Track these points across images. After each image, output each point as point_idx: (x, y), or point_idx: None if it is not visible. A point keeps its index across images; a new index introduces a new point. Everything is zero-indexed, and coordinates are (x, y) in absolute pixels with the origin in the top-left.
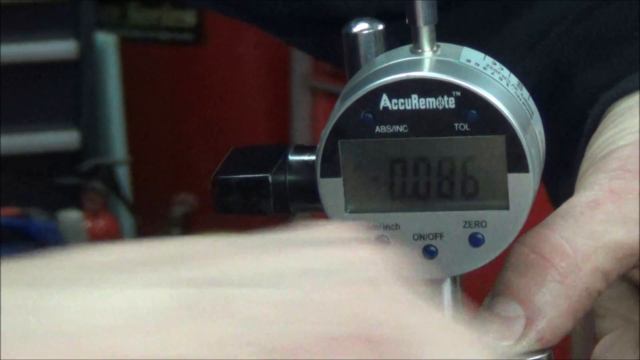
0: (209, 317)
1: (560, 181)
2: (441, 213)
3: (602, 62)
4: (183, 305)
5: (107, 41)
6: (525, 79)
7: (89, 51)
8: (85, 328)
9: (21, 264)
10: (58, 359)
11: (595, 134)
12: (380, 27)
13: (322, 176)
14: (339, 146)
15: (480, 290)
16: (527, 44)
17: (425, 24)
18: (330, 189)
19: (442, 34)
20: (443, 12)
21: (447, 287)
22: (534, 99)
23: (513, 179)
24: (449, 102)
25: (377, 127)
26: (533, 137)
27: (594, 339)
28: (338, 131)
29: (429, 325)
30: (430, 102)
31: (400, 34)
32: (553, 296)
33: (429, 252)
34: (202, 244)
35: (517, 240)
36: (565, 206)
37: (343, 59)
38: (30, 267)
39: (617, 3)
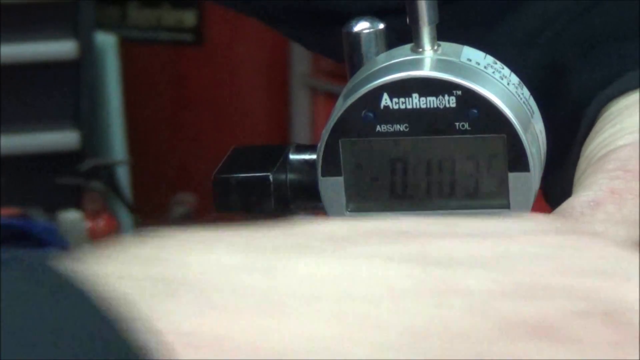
0: (443, 295)
1: (554, 180)
2: (442, 212)
3: (598, 61)
4: (417, 284)
5: (106, 41)
6: (520, 77)
7: (88, 51)
8: (337, 294)
9: (248, 232)
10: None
11: (592, 134)
12: (381, 26)
13: (323, 175)
14: (340, 145)
15: None
16: (522, 42)
17: (427, 24)
18: (331, 188)
19: (438, 31)
20: (439, 9)
21: None
22: None
23: (514, 178)
24: (450, 101)
25: (378, 126)
26: (534, 136)
27: None
28: (339, 130)
29: None
30: (431, 101)
31: (399, 31)
32: None
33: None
34: (415, 224)
35: None
36: (565, 206)
37: (338, 51)
38: (258, 234)
39: (613, 2)
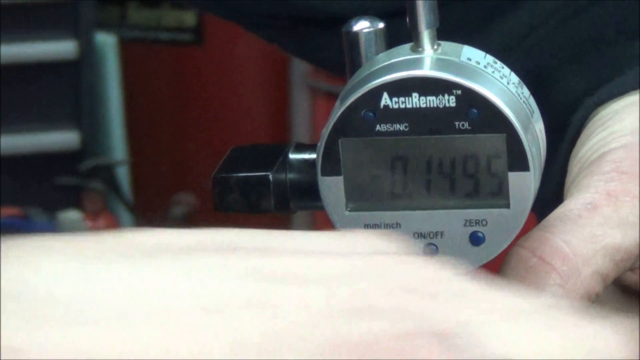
0: (274, 311)
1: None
2: (442, 212)
3: (583, 67)
4: (250, 299)
5: (107, 41)
6: None
7: (88, 51)
8: (163, 305)
9: (74, 237)
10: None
11: (582, 138)
12: (381, 25)
13: (323, 174)
14: (340, 144)
15: None
16: (507, 46)
17: (427, 28)
18: (331, 187)
19: None
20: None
21: None
22: None
23: (514, 177)
24: (450, 101)
25: (378, 126)
26: (534, 135)
27: None
28: (339, 129)
29: (490, 320)
30: (431, 101)
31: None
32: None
33: (430, 251)
34: (262, 236)
35: (515, 242)
36: (562, 209)
37: (322, 58)
38: (88, 242)
39: (599, 7)
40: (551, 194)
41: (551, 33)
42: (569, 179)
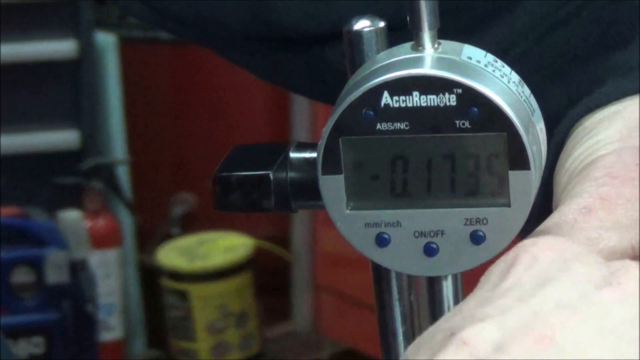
0: None
1: None
2: (442, 210)
3: (564, 80)
4: None
5: (107, 41)
6: None
7: (88, 51)
8: None
9: None
10: None
11: (567, 149)
12: (382, 24)
13: (324, 173)
14: (340, 143)
15: None
16: None
17: (429, 28)
18: (332, 186)
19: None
20: (401, 31)
21: (448, 285)
22: None
23: (514, 176)
24: (450, 100)
25: (379, 124)
26: (534, 134)
27: None
28: (339, 128)
29: None
30: (432, 100)
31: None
32: None
33: (430, 250)
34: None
35: (513, 247)
36: (557, 214)
37: (292, 81)
38: None
39: (577, 21)
40: (535, 207)
41: (531, 48)
42: (558, 189)
